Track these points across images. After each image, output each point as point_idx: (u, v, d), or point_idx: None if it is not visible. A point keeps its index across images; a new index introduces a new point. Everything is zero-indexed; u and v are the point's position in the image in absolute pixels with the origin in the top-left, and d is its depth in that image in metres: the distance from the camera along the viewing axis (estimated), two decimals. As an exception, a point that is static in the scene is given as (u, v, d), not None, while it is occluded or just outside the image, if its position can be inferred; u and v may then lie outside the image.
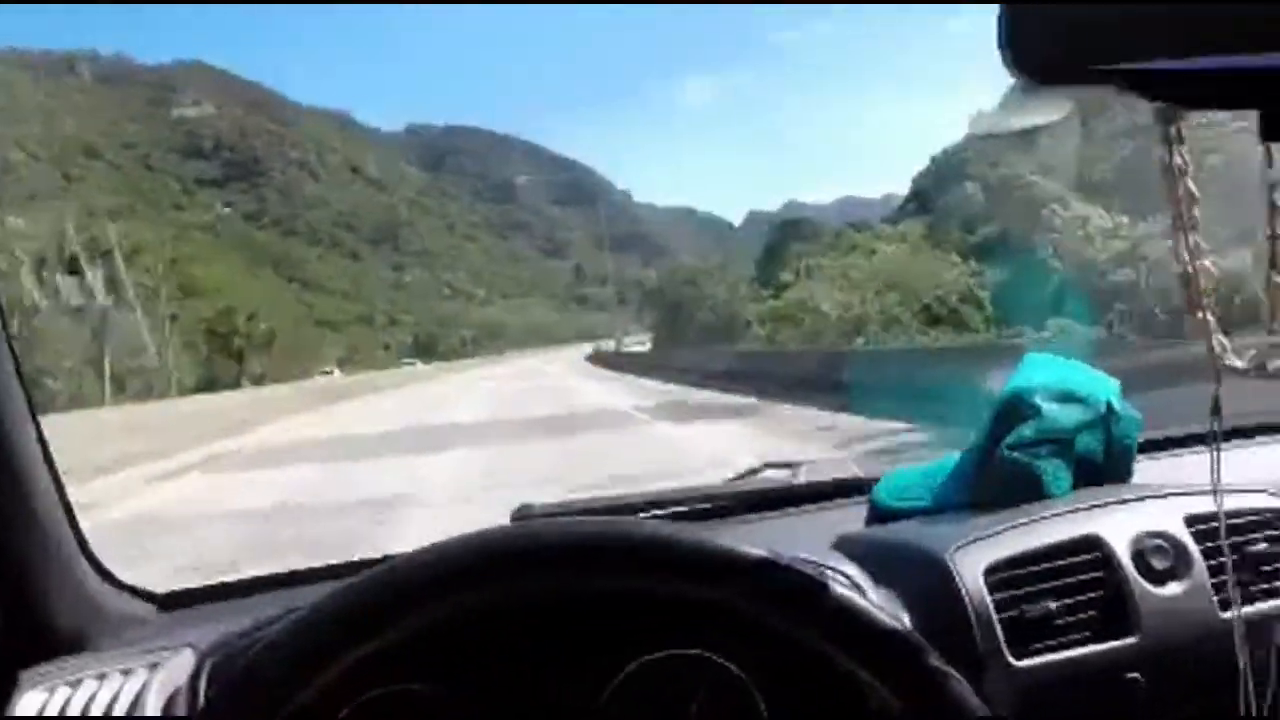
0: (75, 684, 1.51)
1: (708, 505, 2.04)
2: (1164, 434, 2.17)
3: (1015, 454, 1.78)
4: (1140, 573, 1.57)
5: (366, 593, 1.15)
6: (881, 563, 1.65)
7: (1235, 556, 1.57)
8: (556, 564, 1.18)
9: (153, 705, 1.47)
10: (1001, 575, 1.54)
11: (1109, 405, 1.85)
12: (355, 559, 1.91)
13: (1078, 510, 1.67)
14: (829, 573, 1.39)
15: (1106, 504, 1.68)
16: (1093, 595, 1.55)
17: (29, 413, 1.65)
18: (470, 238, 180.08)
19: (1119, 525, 1.62)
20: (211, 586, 2.00)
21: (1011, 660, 1.49)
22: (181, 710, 1.47)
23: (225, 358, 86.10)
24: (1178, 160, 1.02)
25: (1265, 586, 1.60)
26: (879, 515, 1.92)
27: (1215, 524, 1.60)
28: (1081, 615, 1.54)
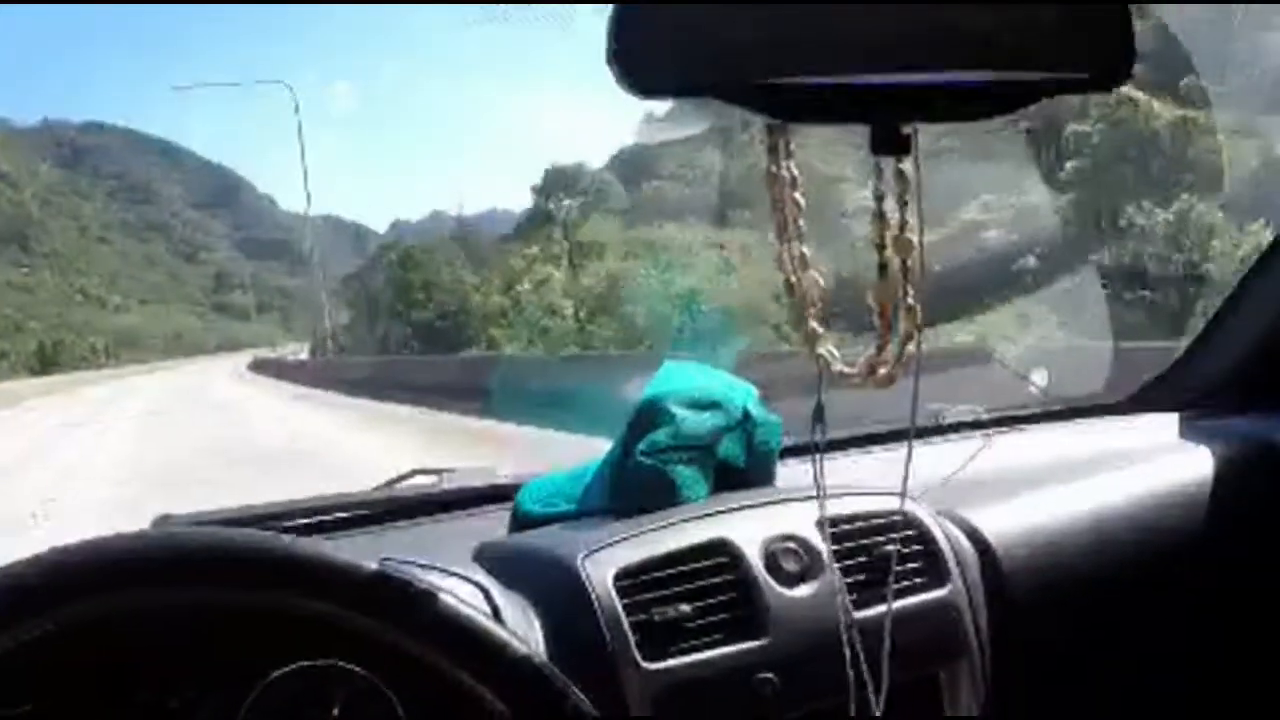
0: None
1: (351, 514, 2.04)
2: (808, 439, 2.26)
3: (649, 459, 1.84)
4: (771, 575, 1.64)
5: None
6: (516, 570, 1.68)
7: (864, 558, 1.69)
8: (168, 576, 1.18)
9: None
10: (632, 580, 1.59)
11: (746, 411, 1.92)
12: None
13: (710, 514, 1.73)
14: (458, 583, 1.46)
15: (739, 508, 1.76)
16: (723, 598, 1.61)
17: None
18: (105, 240, 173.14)
19: (751, 528, 1.69)
20: None
21: (643, 663, 1.53)
22: None
23: None
24: (784, 173, 1.08)
25: (897, 586, 1.69)
26: (521, 522, 1.96)
27: (848, 526, 1.72)
28: (712, 618, 1.60)
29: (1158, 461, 2.26)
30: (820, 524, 1.69)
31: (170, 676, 1.49)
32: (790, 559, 1.67)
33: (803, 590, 1.65)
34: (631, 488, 1.84)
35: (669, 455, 1.84)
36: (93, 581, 1.14)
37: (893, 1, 0.87)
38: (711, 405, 1.90)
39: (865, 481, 1.83)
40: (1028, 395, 3.02)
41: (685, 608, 1.59)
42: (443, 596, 1.24)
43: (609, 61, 0.85)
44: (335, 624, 1.26)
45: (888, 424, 2.36)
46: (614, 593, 1.57)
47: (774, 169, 1.09)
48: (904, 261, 1.09)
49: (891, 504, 1.78)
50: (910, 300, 1.10)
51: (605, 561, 1.62)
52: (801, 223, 1.11)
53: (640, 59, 0.86)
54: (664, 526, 1.71)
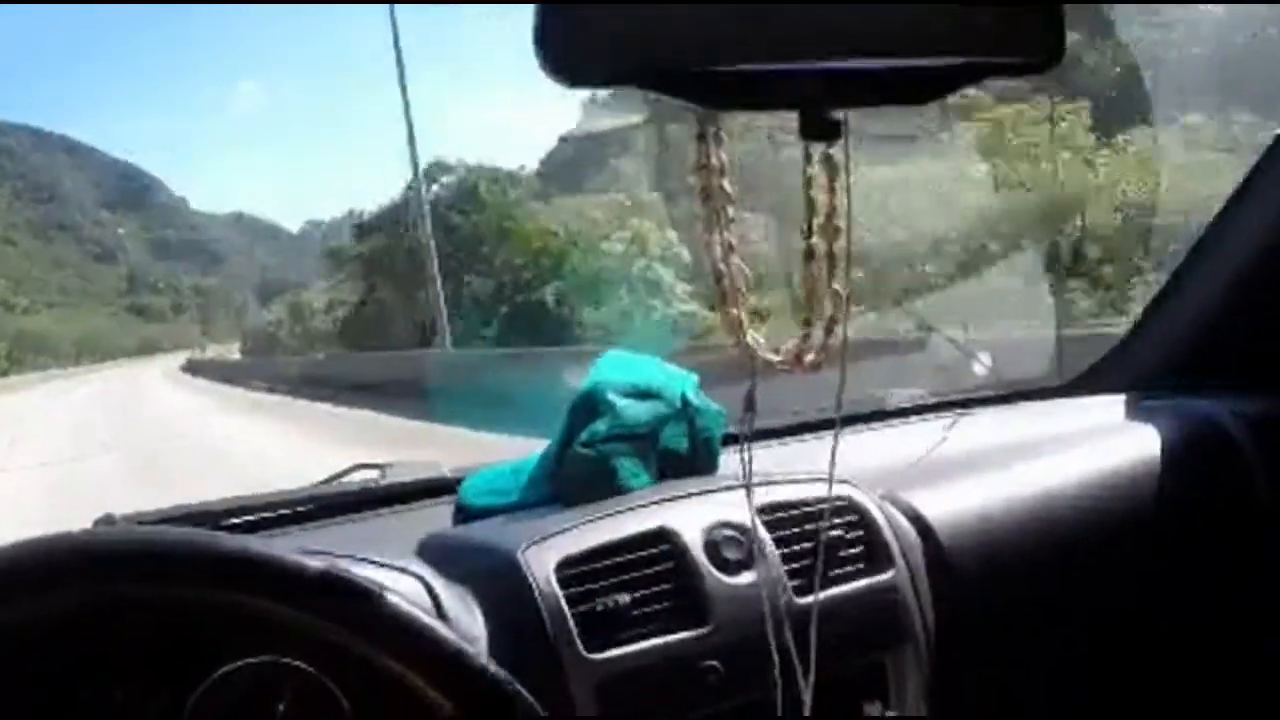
0: None
1: (294, 510, 2.07)
2: (772, 423, 2.35)
3: (588, 450, 1.88)
4: (712, 563, 1.69)
5: None
6: (457, 563, 1.72)
7: (807, 544, 1.73)
8: (110, 574, 1.19)
9: None
10: (573, 570, 1.63)
11: (685, 399, 1.98)
12: None
13: (651, 504, 1.78)
14: (399, 575, 1.50)
15: (680, 496, 1.81)
16: (665, 587, 1.66)
17: None
18: (9, 241, 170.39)
19: (691, 517, 1.74)
20: None
21: (585, 654, 1.58)
22: None
23: None
24: (713, 160, 1.12)
25: (838, 572, 1.75)
26: (463, 515, 2.00)
27: (789, 513, 1.78)
28: (654, 607, 1.64)
29: (1102, 443, 2.31)
30: (754, 511, 1.73)
31: (115, 672, 1.51)
32: (731, 547, 1.71)
33: (744, 578, 1.69)
34: (572, 478, 1.89)
35: (609, 446, 1.89)
36: (34, 579, 1.16)
37: None
38: (651, 394, 1.95)
39: (807, 468, 1.87)
40: (972, 379, 3.06)
41: (627, 597, 1.63)
42: (386, 594, 1.26)
43: (536, 51, 0.87)
44: (280, 621, 1.27)
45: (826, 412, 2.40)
46: (555, 583, 1.61)
47: (703, 158, 1.12)
48: (830, 247, 1.13)
49: (836, 490, 1.81)
50: (837, 286, 1.15)
51: (546, 552, 1.66)
52: (730, 211, 1.15)
53: (567, 48, 0.88)
54: (605, 516, 1.75)
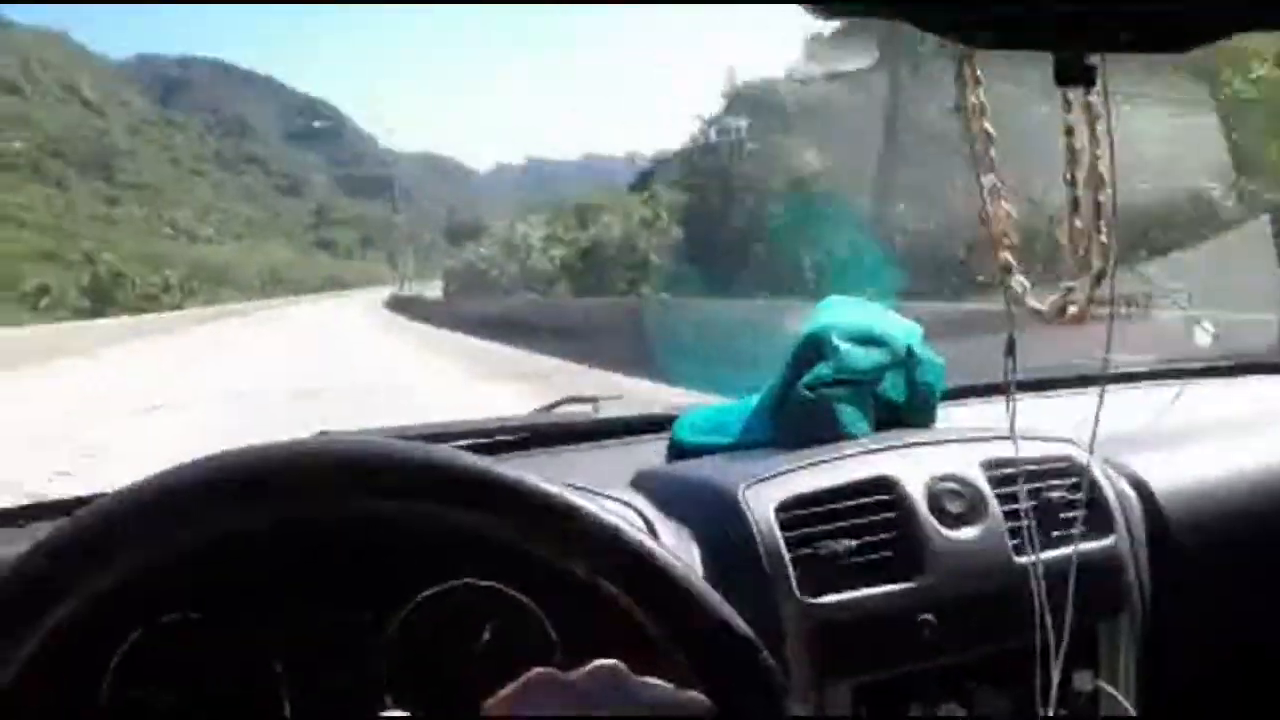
0: None
1: (506, 438, 2.12)
2: (969, 383, 2.34)
3: (812, 393, 1.91)
4: (934, 515, 1.70)
5: (122, 511, 1.12)
6: (675, 499, 1.76)
7: (1033, 502, 1.71)
8: (334, 484, 1.21)
9: None
10: (793, 513, 1.66)
11: (910, 350, 1.99)
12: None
13: (873, 451, 1.80)
14: (617, 507, 1.52)
15: (903, 446, 1.82)
16: (885, 536, 1.68)
17: None
18: (198, 172, 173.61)
19: (914, 467, 1.75)
20: None
21: (802, 598, 1.60)
22: None
23: None
24: (973, 100, 1.13)
25: (1060, 534, 1.73)
26: (678, 452, 2.04)
27: (1011, 470, 1.75)
28: (873, 556, 1.66)
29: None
30: (991, 465, 1.77)
31: (322, 590, 1.60)
32: (953, 500, 1.72)
33: (966, 532, 1.71)
34: (793, 421, 1.92)
35: (832, 390, 1.90)
36: (255, 489, 1.17)
37: None
38: (875, 341, 1.96)
39: (1030, 427, 1.83)
40: (1195, 349, 3.03)
41: (845, 543, 1.64)
42: (607, 516, 1.25)
43: None
44: (491, 542, 1.28)
45: (1044, 371, 2.42)
46: (775, 525, 1.64)
47: (964, 98, 1.13)
48: (1096, 197, 1.11)
49: (1059, 450, 1.84)
50: (1103, 238, 1.13)
51: (767, 493, 1.68)
52: (993, 153, 1.15)
53: None
54: (827, 460, 1.77)
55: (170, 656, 1.54)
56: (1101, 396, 1.47)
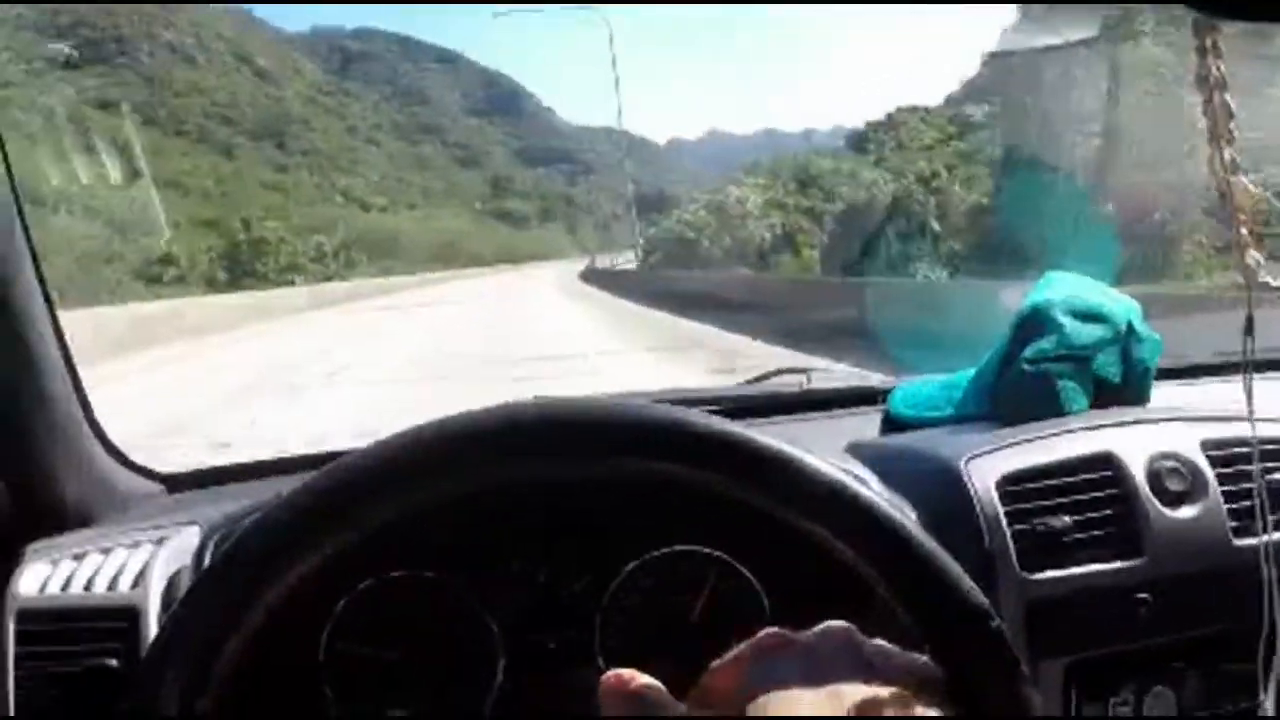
0: (79, 558, 1.68)
1: (718, 407, 2.16)
2: (1184, 361, 2.34)
3: (1034, 367, 1.94)
4: (1154, 494, 1.72)
5: (361, 470, 1.17)
6: (894, 469, 1.81)
7: (1251, 484, 1.71)
8: (567, 445, 1.23)
9: (157, 580, 1.63)
10: (1015, 487, 1.70)
11: (1129, 326, 2.01)
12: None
13: (1094, 428, 1.82)
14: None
15: (1123, 423, 1.84)
16: (1105, 513, 1.70)
17: (42, 293, 1.82)
18: (373, 141, 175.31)
19: (1135, 445, 1.77)
20: (217, 468, 2.19)
21: (1020, 572, 1.64)
22: (186, 586, 1.61)
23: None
24: (1213, 72, 1.14)
25: (1277, 517, 1.68)
26: (893, 424, 2.10)
27: (1233, 450, 1.77)
28: (1092, 533, 1.69)
29: None
30: (1212, 445, 1.77)
31: (545, 550, 1.70)
32: (1174, 479, 1.74)
33: (1185, 512, 1.72)
34: (1014, 395, 1.96)
35: (1054, 365, 1.94)
36: (477, 454, 1.20)
37: None
38: (1097, 316, 1.99)
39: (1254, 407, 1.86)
40: None
41: (1065, 519, 1.67)
42: (838, 473, 1.23)
43: None
44: (715, 505, 1.29)
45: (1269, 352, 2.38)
46: (997, 498, 1.68)
47: (1204, 70, 1.14)
48: None
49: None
50: None
51: (988, 466, 1.72)
52: (1232, 126, 1.15)
53: None
54: (1048, 436, 1.80)
55: (389, 614, 1.65)
56: None
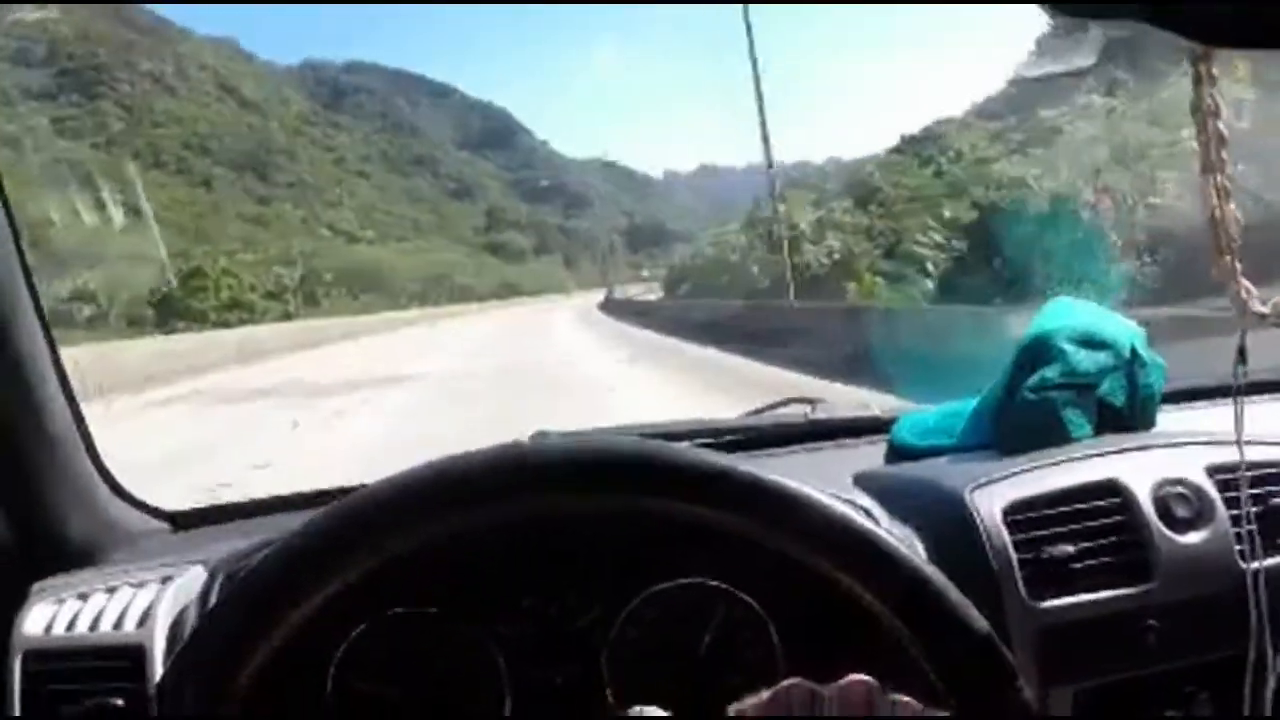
0: (84, 597, 1.74)
1: (725, 438, 2.24)
2: (1188, 385, 2.38)
3: (1038, 395, 2.00)
4: (1161, 519, 1.77)
5: (367, 509, 1.26)
6: (900, 499, 1.86)
7: (1258, 507, 1.75)
8: (571, 481, 1.30)
9: (163, 619, 1.69)
10: (1020, 516, 1.75)
11: (1133, 351, 2.06)
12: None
13: (1099, 454, 1.88)
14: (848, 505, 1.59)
15: (1129, 449, 1.89)
16: (1112, 540, 1.75)
17: (45, 332, 1.89)
18: (362, 173, 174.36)
19: (1141, 471, 1.82)
20: (222, 506, 2.24)
21: (1029, 601, 1.69)
22: (191, 625, 1.67)
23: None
24: (1207, 101, 1.17)
25: None
26: (898, 454, 2.15)
27: (1238, 474, 1.76)
28: (1100, 559, 1.74)
29: None
30: (1217, 469, 1.82)
31: (555, 584, 1.74)
32: (1180, 504, 1.79)
33: (1192, 537, 1.77)
34: (1018, 424, 2.01)
35: (1057, 393, 2.00)
36: (487, 489, 1.27)
37: None
38: (1100, 343, 2.04)
39: (1256, 431, 1.83)
40: None
41: (1072, 547, 1.73)
42: (855, 515, 1.32)
43: None
44: (721, 538, 1.34)
45: (1270, 373, 2.38)
46: (1003, 527, 1.73)
47: (1200, 99, 1.17)
48: None
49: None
50: None
51: (994, 495, 1.78)
52: (1224, 154, 1.19)
53: None
54: (1053, 464, 1.85)
55: (396, 650, 1.70)
56: None
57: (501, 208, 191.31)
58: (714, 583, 1.75)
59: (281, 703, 1.49)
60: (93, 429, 2.01)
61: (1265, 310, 1.25)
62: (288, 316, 75.76)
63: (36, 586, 1.78)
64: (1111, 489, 1.80)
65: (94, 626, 1.69)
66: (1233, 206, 1.21)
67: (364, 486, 1.29)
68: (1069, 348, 2.03)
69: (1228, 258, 1.22)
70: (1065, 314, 2.11)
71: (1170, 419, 2.15)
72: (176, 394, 25.88)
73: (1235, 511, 1.78)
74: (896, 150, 47.60)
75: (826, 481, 1.63)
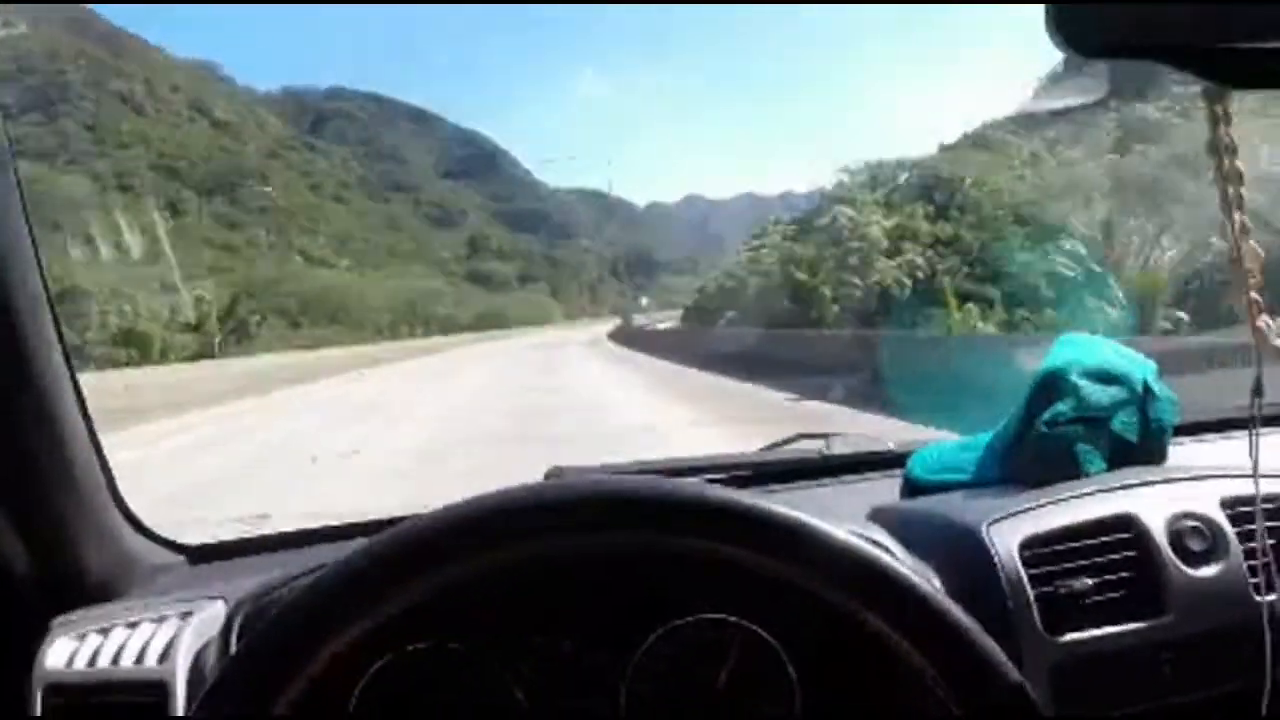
0: (106, 632, 1.79)
1: (740, 474, 2.30)
2: (1199, 418, 2.45)
3: (1052, 430, 2.06)
4: (1175, 553, 1.83)
5: (395, 549, 1.31)
6: (916, 534, 1.91)
7: (1272, 541, 1.79)
8: (589, 521, 1.35)
9: (184, 654, 1.74)
10: (1036, 550, 1.80)
11: (1146, 385, 2.13)
12: (387, 516, 2.04)
13: (1114, 489, 1.93)
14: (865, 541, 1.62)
15: (1143, 484, 1.95)
16: (1126, 574, 1.81)
17: (66, 366, 1.93)
18: (340, 199, 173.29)
19: (1155, 505, 1.88)
20: (241, 540, 2.30)
21: (1045, 635, 1.74)
22: (212, 661, 1.73)
23: None
24: (1225, 139, 1.20)
25: None
26: (913, 488, 2.20)
27: (1252, 507, 1.83)
28: (1115, 594, 1.79)
29: None
30: (1231, 503, 1.88)
31: (566, 624, 1.79)
32: (1194, 538, 1.85)
33: (1206, 571, 1.83)
34: (1033, 458, 2.07)
35: (1071, 428, 2.06)
36: (506, 529, 1.33)
37: None
38: (1113, 378, 2.11)
39: (1269, 464, 1.84)
40: None
41: (1087, 581, 1.78)
42: (872, 550, 1.37)
43: (1047, 21, 0.98)
44: (738, 573, 1.38)
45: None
46: (1019, 561, 1.78)
47: (1217, 137, 1.19)
48: None
49: None
50: None
51: (1010, 530, 1.83)
52: (1243, 191, 1.22)
53: (1080, 19, 0.99)
54: (1068, 498, 1.91)
55: (416, 685, 1.75)
56: None
57: (485, 236, 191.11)
58: (731, 618, 1.79)
59: None
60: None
61: None
62: (197, 356, 63.45)
63: (58, 620, 1.82)
64: (1126, 523, 1.86)
65: (115, 661, 1.74)
66: (1251, 243, 1.24)
67: (390, 522, 1.36)
68: (1082, 382, 2.09)
69: (1247, 293, 1.25)
70: (1077, 349, 2.18)
71: (1182, 452, 2.20)
72: None
73: (1249, 545, 1.84)
74: (947, 149, 43.38)
75: (842, 516, 1.72)
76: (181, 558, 2.21)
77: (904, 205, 39.10)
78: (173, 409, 27.64)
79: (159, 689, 1.70)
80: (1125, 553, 1.84)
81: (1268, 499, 1.85)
